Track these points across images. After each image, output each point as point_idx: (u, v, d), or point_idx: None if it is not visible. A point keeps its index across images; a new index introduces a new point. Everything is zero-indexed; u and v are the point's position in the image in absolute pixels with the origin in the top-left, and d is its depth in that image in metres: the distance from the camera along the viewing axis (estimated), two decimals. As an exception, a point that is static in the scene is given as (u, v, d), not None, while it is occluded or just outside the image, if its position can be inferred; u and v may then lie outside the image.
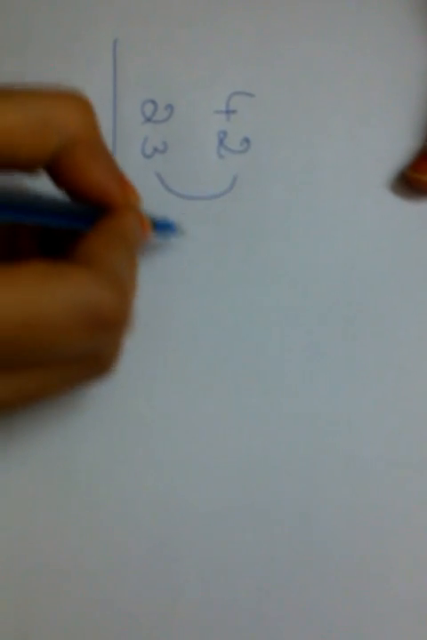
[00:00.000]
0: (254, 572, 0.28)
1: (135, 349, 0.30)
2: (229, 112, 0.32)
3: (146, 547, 0.28)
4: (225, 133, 0.32)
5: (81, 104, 0.25)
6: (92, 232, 0.24)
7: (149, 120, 0.32)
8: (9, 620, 0.28)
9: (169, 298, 0.30)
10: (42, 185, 0.26)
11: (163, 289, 0.30)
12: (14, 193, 0.23)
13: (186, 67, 0.32)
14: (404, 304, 0.30)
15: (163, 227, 0.29)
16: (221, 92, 0.32)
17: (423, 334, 0.30)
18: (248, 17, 0.32)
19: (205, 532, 0.28)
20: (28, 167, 0.24)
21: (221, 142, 0.32)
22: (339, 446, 0.29)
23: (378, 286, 0.30)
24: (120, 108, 0.32)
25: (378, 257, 0.30)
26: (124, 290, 0.22)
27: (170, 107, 0.32)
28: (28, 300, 0.20)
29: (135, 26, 0.32)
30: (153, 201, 0.31)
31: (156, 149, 0.32)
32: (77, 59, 0.32)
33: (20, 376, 0.21)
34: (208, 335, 0.30)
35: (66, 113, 0.24)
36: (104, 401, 0.29)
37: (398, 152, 0.31)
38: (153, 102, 0.32)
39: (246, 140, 0.32)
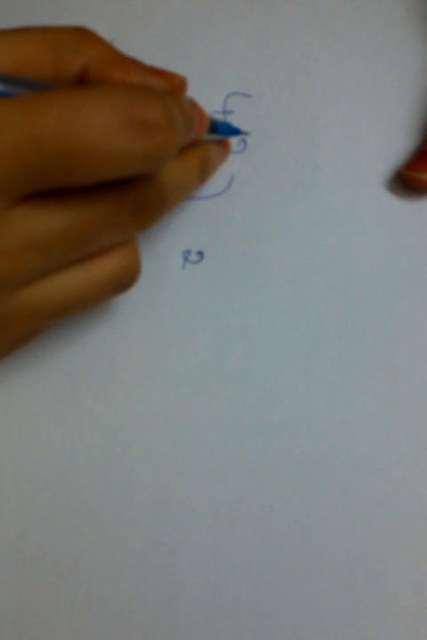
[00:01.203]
0: (252, 570, 0.28)
1: (132, 346, 0.30)
2: (226, 113, 0.32)
3: (143, 543, 0.28)
4: (222, 134, 0.32)
5: (88, 31, 0.26)
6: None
7: (145, 120, 0.32)
8: (6, 616, 0.28)
9: (166, 297, 0.30)
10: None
11: (160, 288, 0.30)
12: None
13: (183, 67, 0.32)
14: (401, 302, 0.30)
15: (225, 129, 0.29)
16: (218, 92, 0.32)
17: (421, 332, 0.30)
18: (245, 17, 0.32)
19: (202, 529, 0.28)
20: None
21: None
22: (337, 444, 0.29)
23: (375, 285, 0.30)
24: (117, 108, 0.32)
25: (375, 255, 0.31)
26: (164, 99, 0.22)
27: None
28: (76, 102, 0.20)
29: (132, 26, 0.33)
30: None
31: (153, 149, 0.32)
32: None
33: (76, 205, 0.22)
34: (205, 333, 0.30)
35: (76, 36, 0.25)
36: (101, 395, 0.29)
37: (394, 151, 0.31)
38: (150, 103, 0.32)
39: (243, 141, 0.32)
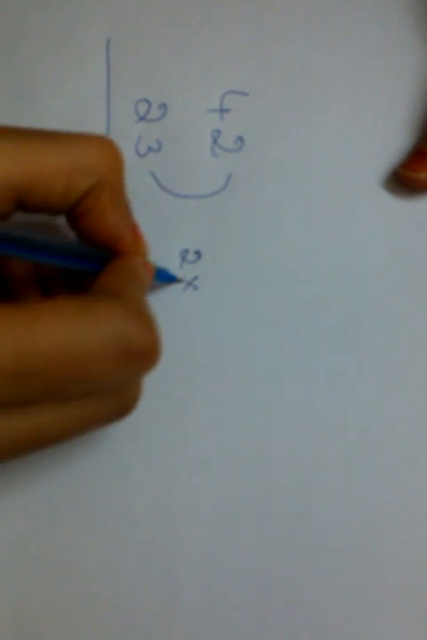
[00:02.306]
0: (251, 569, 0.28)
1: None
2: (222, 111, 0.32)
3: (143, 542, 0.28)
4: (219, 132, 0.32)
5: (110, 148, 0.25)
6: (112, 269, 0.24)
7: (142, 119, 0.32)
8: (5, 615, 0.28)
9: (163, 296, 0.30)
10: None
11: (157, 289, 0.31)
12: (32, 232, 0.24)
13: (180, 65, 0.32)
14: (398, 300, 0.30)
15: (163, 275, 0.30)
16: (214, 90, 0.32)
17: (418, 330, 0.30)
18: (242, 16, 0.32)
19: (202, 529, 0.28)
20: (58, 209, 0.25)
21: (214, 141, 0.32)
22: (336, 444, 0.29)
23: (372, 283, 0.30)
24: (114, 106, 0.32)
25: (372, 254, 0.31)
26: (151, 324, 0.22)
27: (164, 105, 0.32)
28: (68, 332, 0.20)
29: (129, 25, 0.32)
30: (147, 200, 0.31)
31: (150, 148, 0.32)
32: (71, 58, 0.32)
33: (45, 412, 0.21)
34: (202, 333, 0.30)
35: (96, 157, 0.25)
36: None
37: (391, 150, 0.31)
38: (147, 101, 0.32)
39: (240, 139, 0.32)
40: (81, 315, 0.20)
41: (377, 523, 0.28)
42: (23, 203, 0.24)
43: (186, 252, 0.31)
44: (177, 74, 0.32)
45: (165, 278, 0.30)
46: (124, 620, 0.28)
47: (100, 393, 0.22)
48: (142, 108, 0.32)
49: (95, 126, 0.32)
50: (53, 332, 0.20)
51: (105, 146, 0.25)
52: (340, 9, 0.32)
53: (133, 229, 0.26)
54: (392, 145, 0.31)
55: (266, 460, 0.29)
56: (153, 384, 0.30)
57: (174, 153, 0.32)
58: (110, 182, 0.25)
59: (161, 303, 0.30)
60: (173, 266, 0.31)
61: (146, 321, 0.22)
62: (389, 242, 0.31)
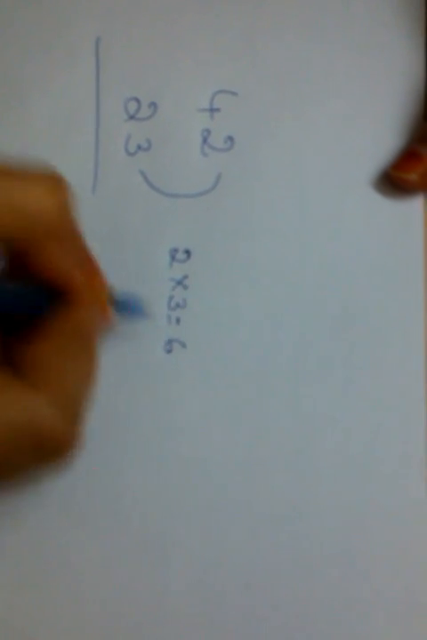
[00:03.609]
0: (243, 568, 0.28)
1: (122, 346, 0.30)
2: (212, 110, 0.32)
3: (134, 541, 0.28)
4: (209, 131, 0.32)
5: (57, 187, 0.23)
6: (44, 336, 0.23)
7: (132, 117, 0.32)
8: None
9: (153, 295, 0.30)
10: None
11: (147, 287, 0.30)
12: None
13: (170, 65, 0.32)
14: (388, 301, 0.30)
15: (127, 307, 0.28)
16: (204, 90, 0.32)
17: (408, 331, 0.30)
18: (233, 15, 0.32)
19: (193, 527, 0.28)
20: None
21: (204, 140, 0.32)
22: (326, 442, 0.29)
23: (362, 283, 0.30)
24: (103, 105, 0.32)
25: (362, 254, 0.31)
26: (73, 411, 0.22)
27: (153, 104, 0.32)
28: None
29: (118, 24, 0.32)
30: (137, 199, 0.31)
31: (139, 147, 0.32)
32: (60, 57, 0.32)
33: None
34: (191, 331, 0.30)
35: (40, 199, 0.22)
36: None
37: (381, 151, 0.31)
38: (136, 100, 0.32)
39: (230, 139, 0.32)
40: None
41: (368, 521, 0.28)
42: None
43: (175, 250, 0.31)
44: (167, 73, 0.32)
45: (128, 309, 0.29)
46: (115, 617, 0.27)
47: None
48: (132, 106, 0.32)
49: (85, 125, 0.32)
50: None
51: (49, 184, 0.23)
52: (332, 9, 0.32)
53: (88, 268, 0.25)
54: (383, 145, 0.31)
55: (256, 459, 0.29)
56: (144, 378, 0.29)
57: (164, 152, 0.32)
58: (55, 225, 0.23)
59: (149, 302, 0.30)
60: (162, 264, 0.31)
61: (66, 413, 0.21)
62: (379, 242, 0.31)
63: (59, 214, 0.23)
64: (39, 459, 0.22)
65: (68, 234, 0.24)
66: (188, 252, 0.31)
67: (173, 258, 0.31)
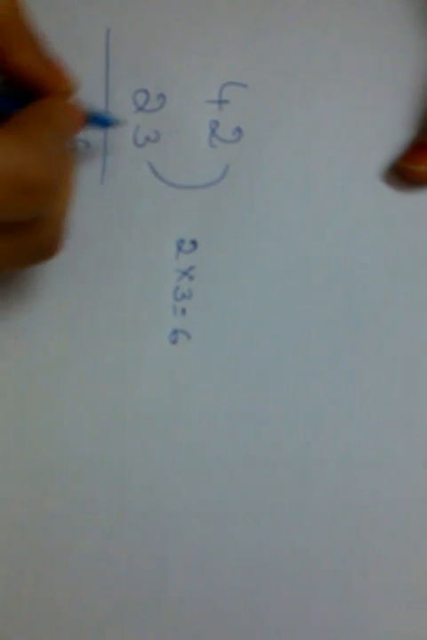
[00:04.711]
0: (244, 563, 0.28)
1: (125, 335, 0.30)
2: (221, 102, 0.32)
3: (135, 535, 0.28)
4: (217, 123, 0.32)
5: None
6: (23, 110, 0.25)
7: (141, 109, 0.32)
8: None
9: (159, 284, 0.30)
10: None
11: (154, 277, 0.30)
12: None
13: (178, 56, 0.32)
14: (398, 293, 0.30)
15: (100, 120, 0.30)
16: (213, 81, 0.32)
17: (417, 324, 0.30)
18: (241, 7, 0.32)
19: (194, 521, 0.28)
20: None
21: (213, 132, 0.32)
22: (331, 438, 0.29)
23: (371, 276, 0.30)
24: (112, 97, 0.32)
25: (371, 247, 0.30)
26: (49, 157, 0.23)
27: (162, 96, 0.32)
28: None
29: (128, 15, 0.32)
30: (144, 189, 0.31)
31: (148, 138, 0.32)
32: (70, 48, 0.32)
33: None
34: (197, 323, 0.30)
35: None
36: (93, 386, 0.29)
37: (390, 143, 0.31)
38: (145, 91, 0.32)
39: (238, 130, 0.32)
40: None
41: (372, 515, 0.28)
42: None
43: (182, 241, 0.31)
44: (176, 64, 0.32)
45: (101, 122, 0.30)
46: (115, 610, 0.27)
47: (11, 229, 0.23)
48: (141, 98, 0.32)
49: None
50: None
51: None
52: (340, 1, 0.32)
53: (50, 68, 0.27)
54: (392, 137, 0.31)
55: (260, 450, 0.28)
56: (146, 372, 0.29)
57: (172, 143, 0.32)
58: (7, 21, 0.25)
59: (155, 291, 0.30)
60: (168, 255, 0.31)
61: (44, 155, 0.22)
62: (387, 234, 0.30)
63: (9, 11, 0.25)
64: (25, 201, 0.22)
65: (24, 31, 0.26)
66: (194, 243, 0.31)
67: (179, 248, 0.31)
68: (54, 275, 0.30)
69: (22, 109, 0.25)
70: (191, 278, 0.30)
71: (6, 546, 0.28)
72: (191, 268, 0.30)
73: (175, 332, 0.30)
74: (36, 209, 0.23)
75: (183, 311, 0.30)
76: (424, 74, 0.31)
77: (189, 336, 0.30)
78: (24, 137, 0.22)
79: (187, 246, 0.31)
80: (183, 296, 0.30)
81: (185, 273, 0.30)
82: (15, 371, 0.30)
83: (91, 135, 0.31)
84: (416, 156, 0.30)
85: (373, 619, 0.27)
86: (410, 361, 0.29)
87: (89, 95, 0.32)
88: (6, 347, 0.30)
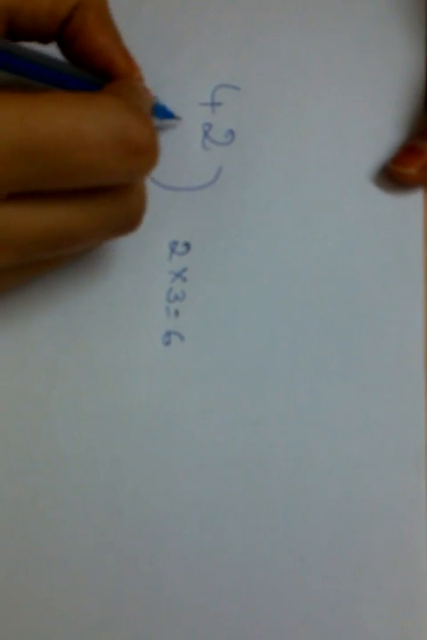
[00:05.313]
0: (238, 562, 0.28)
1: (119, 334, 0.30)
2: (214, 104, 0.32)
3: (128, 534, 0.28)
4: (210, 125, 0.32)
5: None
6: (111, 84, 0.26)
7: (134, 111, 0.32)
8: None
9: (153, 287, 0.30)
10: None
11: (146, 279, 0.31)
12: (30, 50, 0.25)
13: (171, 59, 0.32)
14: (387, 295, 0.30)
15: (161, 111, 0.31)
16: (206, 84, 0.32)
17: (408, 325, 0.30)
18: (234, 10, 0.33)
19: (188, 522, 0.28)
20: (47, 31, 0.26)
21: (205, 134, 0.32)
22: (327, 437, 0.29)
23: (361, 278, 0.30)
24: (105, 99, 0.32)
25: (361, 249, 0.31)
26: (148, 120, 0.23)
27: (155, 98, 0.32)
28: (72, 116, 0.21)
29: (120, 18, 0.32)
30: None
31: (140, 140, 0.32)
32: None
33: (56, 207, 0.23)
34: (190, 324, 0.30)
35: None
36: (86, 385, 0.29)
37: (381, 145, 0.31)
38: (138, 94, 0.32)
39: (231, 133, 0.32)
40: (84, 104, 0.22)
41: (365, 516, 0.28)
42: (13, 24, 0.25)
43: (175, 243, 0.31)
44: (169, 67, 0.32)
45: (162, 115, 0.31)
46: (109, 611, 0.27)
47: (105, 194, 0.24)
48: (134, 100, 0.32)
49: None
50: (58, 113, 0.21)
51: None
52: (332, 4, 0.32)
53: (126, 53, 0.28)
54: (382, 140, 0.31)
55: (254, 452, 0.29)
56: (140, 371, 0.30)
57: (165, 145, 0.32)
58: (96, 3, 0.27)
59: (148, 294, 0.30)
60: (161, 257, 0.31)
61: (146, 119, 0.23)
62: (378, 236, 0.31)
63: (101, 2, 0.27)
64: (129, 163, 0.23)
65: (107, 14, 0.28)
66: (187, 245, 0.31)
67: (172, 250, 0.31)
68: (47, 276, 0.30)
69: (107, 85, 0.26)
70: (184, 280, 0.31)
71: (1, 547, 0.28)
72: (184, 269, 0.31)
73: (168, 333, 0.30)
74: (138, 171, 0.23)
75: (176, 313, 0.30)
76: (414, 76, 0.32)
77: (182, 338, 0.30)
78: (125, 100, 0.23)
79: (180, 248, 0.31)
80: (176, 298, 0.30)
81: (178, 275, 0.31)
82: (7, 372, 0.30)
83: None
84: (406, 159, 0.30)
85: (366, 621, 0.27)
86: (402, 362, 0.30)
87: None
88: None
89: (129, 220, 0.26)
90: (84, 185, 0.23)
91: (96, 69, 0.27)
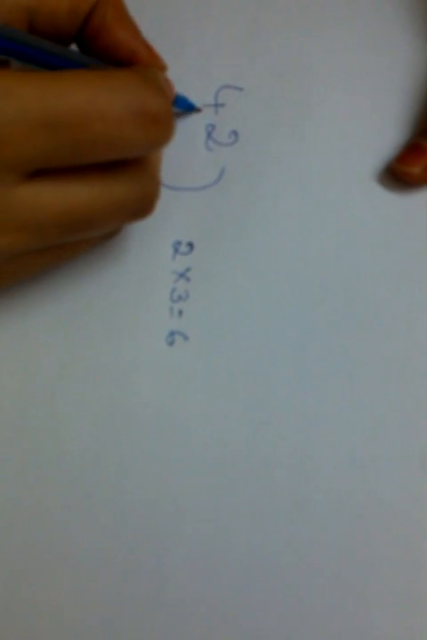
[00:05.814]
0: (242, 562, 0.28)
1: (123, 334, 0.30)
2: (217, 105, 0.32)
3: (133, 534, 0.28)
4: (213, 126, 0.32)
5: None
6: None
7: (137, 112, 0.32)
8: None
9: (156, 287, 0.30)
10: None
11: (150, 279, 0.31)
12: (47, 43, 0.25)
13: (175, 59, 0.32)
14: (392, 294, 0.30)
15: (182, 103, 0.32)
16: (209, 84, 0.32)
17: (414, 324, 0.30)
18: (237, 10, 0.33)
19: (193, 521, 0.28)
20: (67, 30, 0.26)
21: (209, 135, 0.32)
22: (332, 436, 0.29)
23: (366, 277, 0.30)
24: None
25: (365, 248, 0.30)
26: (168, 97, 0.24)
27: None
28: (91, 91, 0.22)
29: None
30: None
31: (144, 141, 0.32)
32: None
33: (76, 186, 0.23)
34: (194, 324, 0.30)
35: None
36: (91, 385, 0.29)
37: (385, 144, 0.31)
38: (142, 95, 0.32)
39: (234, 133, 0.32)
40: (100, 78, 0.23)
41: (370, 515, 0.28)
42: (33, 24, 0.26)
43: (179, 243, 0.31)
44: (172, 68, 0.32)
45: (184, 106, 0.31)
46: (113, 610, 0.27)
47: (123, 172, 0.24)
48: (137, 101, 0.32)
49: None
50: (76, 88, 0.22)
51: None
52: (336, 4, 0.32)
53: (147, 44, 0.28)
54: (386, 139, 0.31)
55: (258, 451, 0.29)
56: (145, 371, 0.30)
57: (169, 146, 0.31)
58: (123, 8, 0.27)
59: (152, 293, 0.30)
60: (165, 257, 0.31)
61: (160, 90, 0.24)
62: (382, 235, 0.31)
63: None
64: (147, 135, 0.23)
65: (125, 9, 0.28)
66: (191, 245, 0.31)
67: (176, 250, 0.31)
68: (51, 276, 0.30)
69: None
70: (188, 280, 0.31)
71: (2, 547, 0.28)
72: (188, 269, 0.31)
73: (172, 333, 0.30)
74: (155, 140, 0.24)
75: (180, 313, 0.30)
76: (419, 75, 0.32)
77: (185, 338, 0.30)
78: (140, 73, 0.24)
79: (183, 248, 0.31)
80: (180, 298, 0.30)
81: (182, 275, 0.31)
82: (11, 373, 0.30)
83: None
84: (410, 158, 0.30)
85: (370, 619, 0.27)
86: (407, 360, 0.29)
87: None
88: (2, 349, 0.30)
89: (143, 204, 0.26)
90: (103, 158, 0.23)
91: (119, 63, 0.27)
